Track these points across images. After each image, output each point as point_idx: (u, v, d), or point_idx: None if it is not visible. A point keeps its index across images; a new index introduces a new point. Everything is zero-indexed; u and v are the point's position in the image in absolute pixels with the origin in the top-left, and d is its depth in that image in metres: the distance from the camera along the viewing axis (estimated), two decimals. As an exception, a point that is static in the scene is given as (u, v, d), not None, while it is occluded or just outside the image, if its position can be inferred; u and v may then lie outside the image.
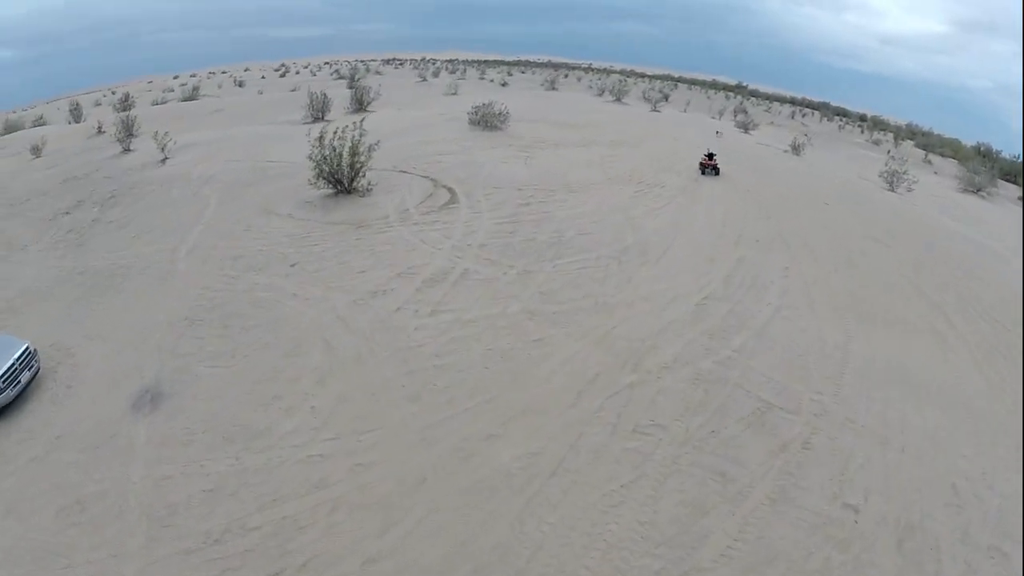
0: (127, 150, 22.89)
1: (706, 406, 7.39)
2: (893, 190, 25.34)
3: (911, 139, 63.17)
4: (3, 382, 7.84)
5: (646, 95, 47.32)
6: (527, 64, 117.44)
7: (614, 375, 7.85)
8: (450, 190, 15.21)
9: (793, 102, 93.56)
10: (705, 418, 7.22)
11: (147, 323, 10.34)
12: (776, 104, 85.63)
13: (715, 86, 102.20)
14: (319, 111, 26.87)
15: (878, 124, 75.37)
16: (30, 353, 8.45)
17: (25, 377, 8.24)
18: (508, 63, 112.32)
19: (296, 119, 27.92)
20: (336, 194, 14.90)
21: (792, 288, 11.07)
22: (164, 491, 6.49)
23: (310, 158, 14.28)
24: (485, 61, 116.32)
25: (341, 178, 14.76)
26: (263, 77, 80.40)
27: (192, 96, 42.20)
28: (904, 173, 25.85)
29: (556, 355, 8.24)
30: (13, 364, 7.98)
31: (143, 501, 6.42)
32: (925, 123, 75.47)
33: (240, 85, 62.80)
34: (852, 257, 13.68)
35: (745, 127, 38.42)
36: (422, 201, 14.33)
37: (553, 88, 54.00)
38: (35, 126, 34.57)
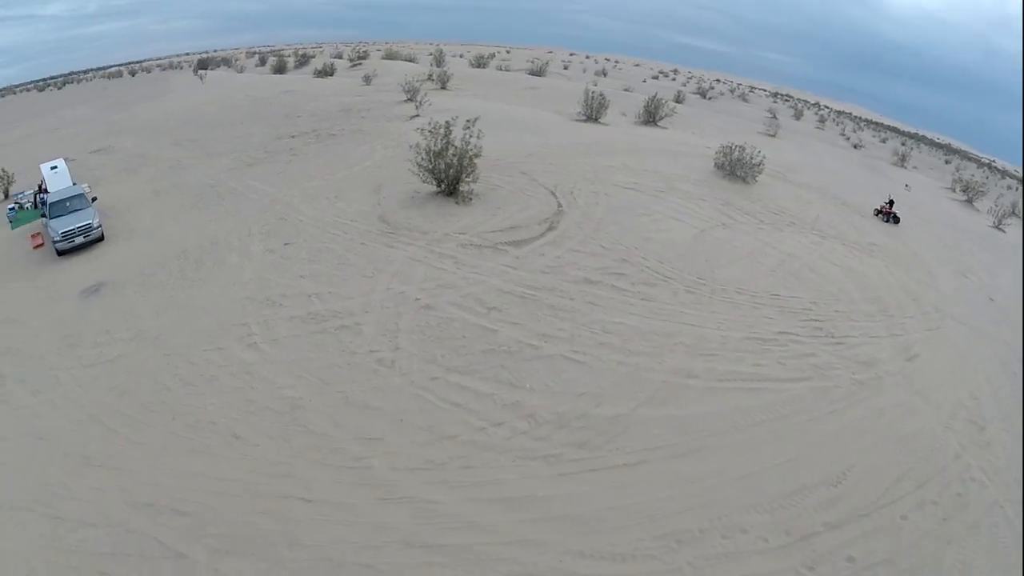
0: (409, 100, 27.33)
1: None
2: None
3: None
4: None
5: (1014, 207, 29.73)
6: (920, 139, 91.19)
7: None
8: (550, 229, 13.37)
9: None
10: None
11: (184, 229, 12.82)
12: None
13: None
14: (593, 112, 26.92)
15: None
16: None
17: None
18: (902, 133, 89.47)
19: (572, 113, 28.53)
20: (438, 193, 14.83)
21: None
22: None
23: (412, 147, 14.53)
24: (876, 123, 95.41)
25: (441, 177, 14.56)
26: (654, 79, 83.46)
27: (539, 72, 47.40)
28: None
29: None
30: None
31: None
32: None
33: (603, 75, 67.24)
34: None
35: None
36: (501, 230, 13.14)
37: (902, 165, 40.58)
38: (406, 60, 44.69)
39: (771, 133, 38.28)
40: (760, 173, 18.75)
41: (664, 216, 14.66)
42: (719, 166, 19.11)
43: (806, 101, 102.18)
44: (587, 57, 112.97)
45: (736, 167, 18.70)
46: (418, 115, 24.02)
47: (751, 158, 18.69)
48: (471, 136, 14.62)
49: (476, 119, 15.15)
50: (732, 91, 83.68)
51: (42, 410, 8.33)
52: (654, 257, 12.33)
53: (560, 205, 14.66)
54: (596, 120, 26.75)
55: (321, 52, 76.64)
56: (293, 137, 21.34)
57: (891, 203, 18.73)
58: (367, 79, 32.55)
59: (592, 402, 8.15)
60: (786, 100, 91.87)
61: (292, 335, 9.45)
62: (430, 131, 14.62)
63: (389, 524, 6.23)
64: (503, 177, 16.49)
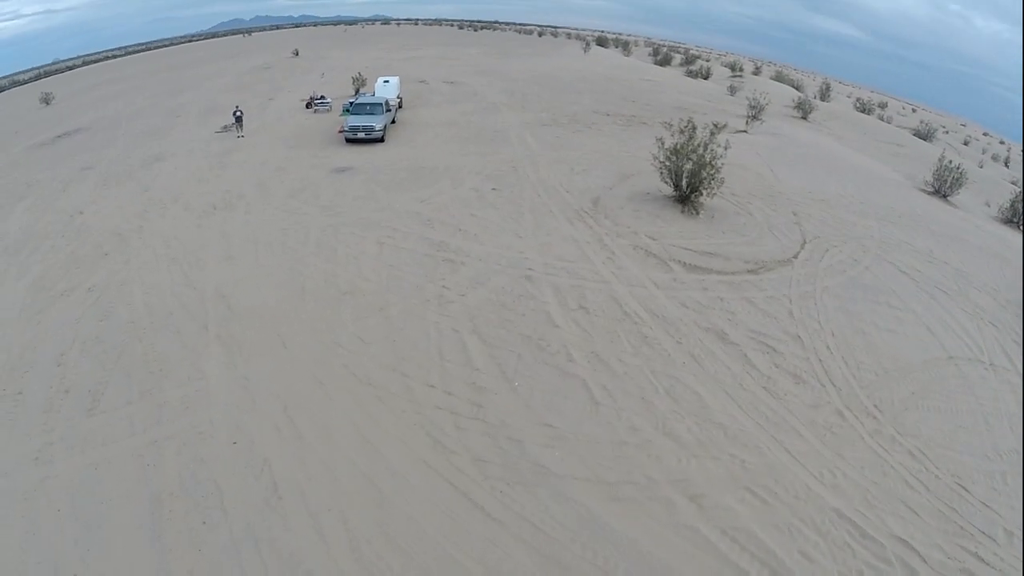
0: (751, 117, 25.77)
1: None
2: None
3: None
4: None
5: None
6: None
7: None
8: (751, 272, 11.89)
9: None
10: None
11: (440, 153, 16.75)
12: None
13: None
14: (944, 185, 20.59)
15: None
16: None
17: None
18: None
19: (920, 180, 21.82)
20: (671, 198, 14.63)
21: None
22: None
23: (657, 140, 14.38)
24: None
25: (679, 182, 14.23)
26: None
27: (925, 135, 38.61)
28: None
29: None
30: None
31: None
32: None
33: (1005, 164, 50.50)
34: None
35: None
36: (696, 251, 12.21)
37: None
38: (789, 85, 43.16)
39: None
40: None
41: (913, 318, 10.80)
42: None
43: None
44: (1001, 143, 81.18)
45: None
46: (745, 131, 22.57)
47: None
48: (716, 147, 13.45)
49: (723, 126, 13.64)
50: None
51: (240, 225, 12.66)
52: (841, 354, 9.38)
53: (796, 256, 12.33)
54: (943, 196, 20.04)
55: (719, 58, 75.71)
56: (607, 115, 23.08)
57: None
58: (732, 89, 32.04)
59: (542, 438, 7.26)
60: None
61: (411, 248, 11.36)
62: (680, 130, 14.03)
63: (295, 381, 7.71)
64: (766, 209, 14.58)
